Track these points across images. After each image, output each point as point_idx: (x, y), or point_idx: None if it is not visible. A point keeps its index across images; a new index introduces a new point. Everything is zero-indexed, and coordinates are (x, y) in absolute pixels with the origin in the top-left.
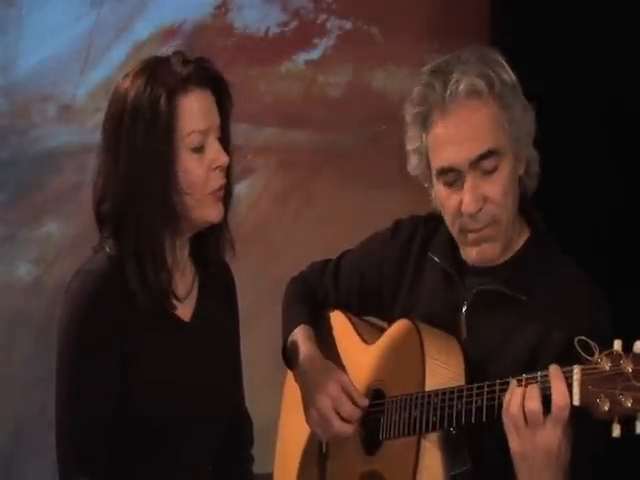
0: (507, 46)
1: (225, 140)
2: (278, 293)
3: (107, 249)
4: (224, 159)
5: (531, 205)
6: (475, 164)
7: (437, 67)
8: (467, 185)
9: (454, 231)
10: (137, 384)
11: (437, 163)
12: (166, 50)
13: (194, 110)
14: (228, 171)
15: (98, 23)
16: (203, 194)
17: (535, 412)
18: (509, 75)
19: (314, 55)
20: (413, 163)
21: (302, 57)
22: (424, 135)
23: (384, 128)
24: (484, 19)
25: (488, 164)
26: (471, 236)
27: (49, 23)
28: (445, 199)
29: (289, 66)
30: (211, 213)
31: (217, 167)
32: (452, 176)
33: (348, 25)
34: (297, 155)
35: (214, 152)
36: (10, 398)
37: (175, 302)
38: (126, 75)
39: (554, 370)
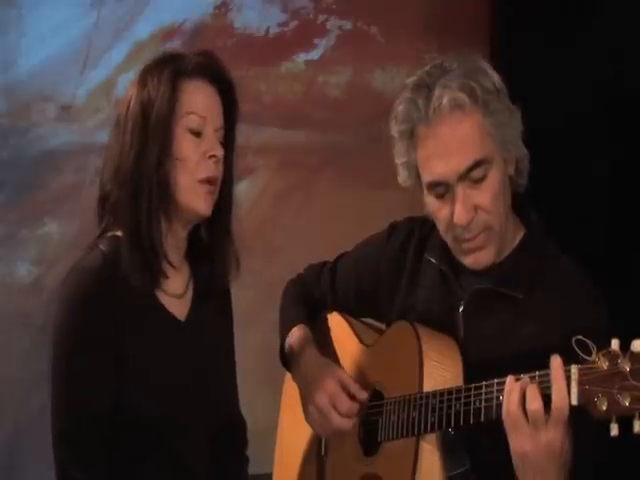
0: (506, 46)
1: (228, 147)
2: (278, 293)
3: (101, 247)
4: (219, 151)
5: (526, 203)
6: (464, 176)
7: (420, 80)
8: (458, 197)
9: (448, 240)
10: (130, 381)
11: (426, 177)
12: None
13: (197, 97)
14: (226, 185)
15: (98, 23)
16: (193, 179)
17: (537, 412)
18: (492, 81)
19: (314, 55)
20: (403, 176)
21: (302, 57)
22: (412, 149)
23: (384, 128)
24: (484, 19)
25: (476, 174)
26: (465, 245)
27: (49, 23)
28: (437, 211)
29: (289, 66)
30: (199, 203)
31: (211, 156)
32: (442, 189)
33: (348, 25)
34: (297, 155)
35: (211, 142)
36: (10, 398)
37: (168, 297)
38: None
39: (556, 370)
